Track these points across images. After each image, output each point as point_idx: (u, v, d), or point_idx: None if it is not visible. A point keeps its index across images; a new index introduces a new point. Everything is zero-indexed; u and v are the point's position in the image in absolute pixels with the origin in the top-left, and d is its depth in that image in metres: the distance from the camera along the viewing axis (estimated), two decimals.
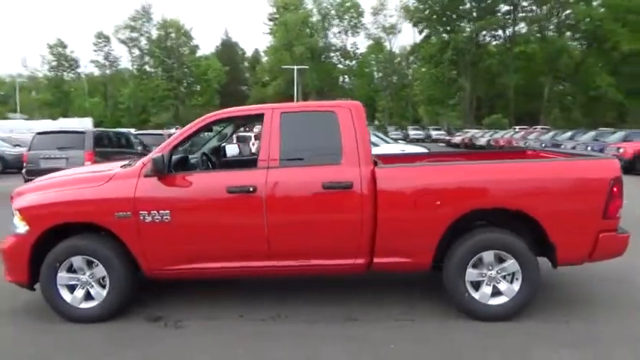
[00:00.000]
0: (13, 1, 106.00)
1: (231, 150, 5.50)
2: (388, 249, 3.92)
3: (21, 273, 4.03)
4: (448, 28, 55.63)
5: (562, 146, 19.80)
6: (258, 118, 4.09)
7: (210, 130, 5.90)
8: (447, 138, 40.74)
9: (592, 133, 21.46)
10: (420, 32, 58.67)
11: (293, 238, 3.91)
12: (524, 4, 54.02)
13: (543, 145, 23.32)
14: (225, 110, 4.28)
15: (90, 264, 4.01)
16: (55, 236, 4.00)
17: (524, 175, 3.89)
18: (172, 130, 24.64)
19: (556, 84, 55.25)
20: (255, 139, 32.09)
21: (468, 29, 54.94)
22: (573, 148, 18.80)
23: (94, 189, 3.96)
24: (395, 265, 4.00)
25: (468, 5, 54.65)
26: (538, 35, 54.30)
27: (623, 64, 50.82)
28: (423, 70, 60.37)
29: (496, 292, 3.95)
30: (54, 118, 43.89)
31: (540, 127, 42.65)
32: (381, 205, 3.82)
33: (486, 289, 3.94)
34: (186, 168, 4.41)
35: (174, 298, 4.52)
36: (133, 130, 19.41)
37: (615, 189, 3.81)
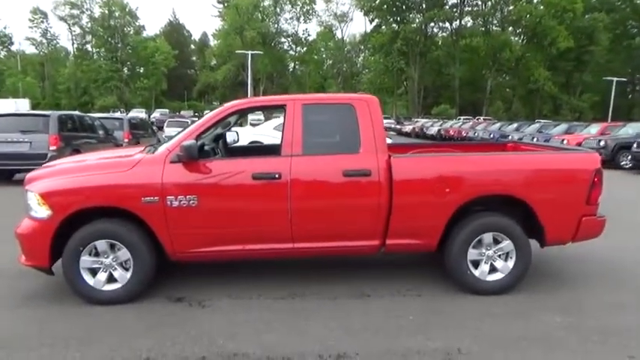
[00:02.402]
0: None
1: (230, 137, 5.65)
2: (400, 231, 4.27)
3: (41, 257, 4.07)
4: (398, 18, 56.75)
5: (509, 137, 21.00)
6: (280, 108, 4.31)
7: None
8: (398, 127, 41.82)
9: (536, 125, 22.88)
10: (371, 21, 59.60)
11: (314, 221, 4.18)
12: None
13: (491, 135, 24.60)
14: (248, 100, 4.47)
15: (112, 247, 4.11)
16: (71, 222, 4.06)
17: (523, 165, 4.35)
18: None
19: (498, 77, 57.83)
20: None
21: (417, 20, 56.29)
22: (520, 139, 19.98)
23: (121, 174, 4.05)
24: (405, 246, 4.36)
25: None
26: (482, 29, 56.49)
27: (559, 60, 54.03)
28: (373, 59, 61.31)
29: (493, 270, 4.42)
30: None
31: (483, 117, 44.73)
32: (396, 192, 4.16)
33: (485, 267, 4.40)
34: (202, 155, 4.55)
35: (189, 280, 4.69)
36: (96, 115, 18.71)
37: (596, 179, 4.34)
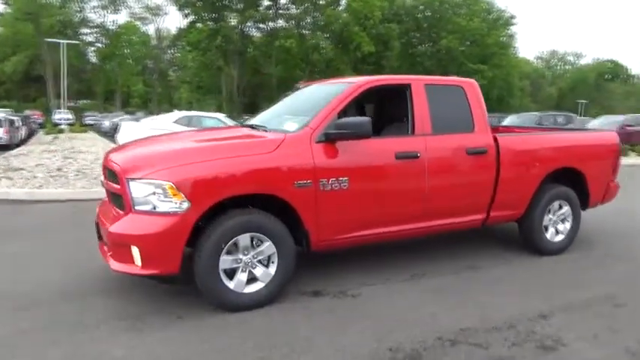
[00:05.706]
0: None
1: None
2: (501, 204, 4.66)
3: (171, 261, 3.35)
4: (214, 15, 56.00)
5: None
6: (405, 87, 4.28)
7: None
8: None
9: None
10: (186, 17, 57.56)
11: (443, 199, 4.29)
12: (283, 1, 58.38)
13: None
14: (376, 77, 4.32)
15: (252, 241, 3.60)
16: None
17: (582, 142, 5.25)
18: None
19: (312, 77, 61.56)
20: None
21: (233, 20, 56.41)
22: None
23: (269, 156, 3.56)
24: (502, 217, 4.77)
25: None
26: (296, 31, 59.46)
27: (362, 64, 60.07)
28: (190, 56, 59.55)
29: (556, 232, 5.11)
30: None
31: None
32: (503, 167, 4.54)
33: (552, 230, 5.07)
34: None
35: (301, 273, 4.30)
36: None
37: (619, 152, 5.41)
